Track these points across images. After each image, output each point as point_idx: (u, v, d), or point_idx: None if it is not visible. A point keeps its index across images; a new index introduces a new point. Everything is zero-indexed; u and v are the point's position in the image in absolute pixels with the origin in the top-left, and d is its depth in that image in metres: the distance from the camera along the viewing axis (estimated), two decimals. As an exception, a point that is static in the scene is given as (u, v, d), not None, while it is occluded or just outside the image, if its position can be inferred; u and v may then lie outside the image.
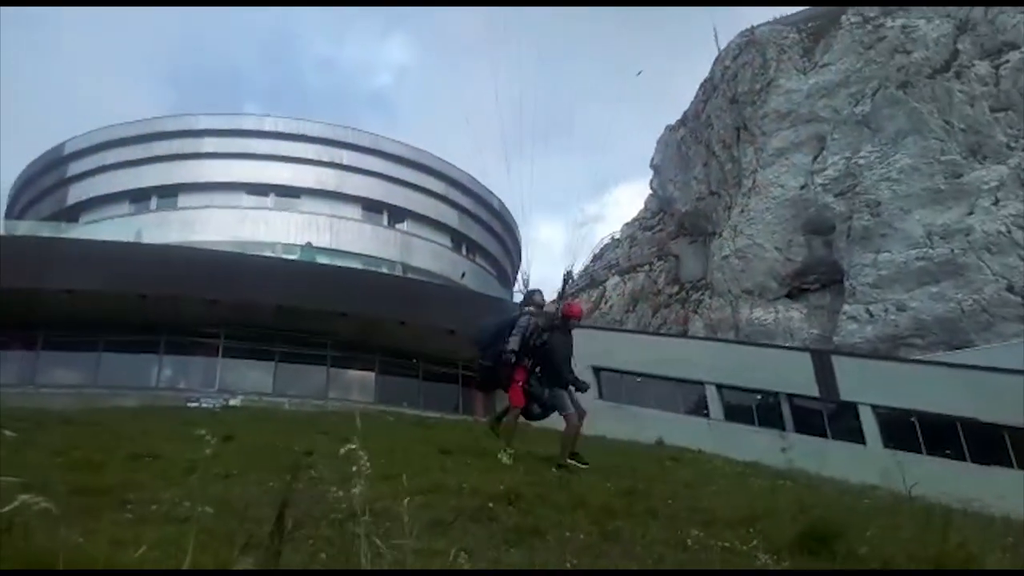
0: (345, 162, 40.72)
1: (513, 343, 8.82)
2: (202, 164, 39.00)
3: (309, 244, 35.63)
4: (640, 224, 61.62)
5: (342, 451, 2.19)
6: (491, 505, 5.25)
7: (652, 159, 59.03)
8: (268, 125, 41.10)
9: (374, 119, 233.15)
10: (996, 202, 33.70)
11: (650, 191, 61.19)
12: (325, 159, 40.41)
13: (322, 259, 32.71)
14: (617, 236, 63.67)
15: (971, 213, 33.92)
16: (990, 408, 22.48)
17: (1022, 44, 37.17)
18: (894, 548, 4.26)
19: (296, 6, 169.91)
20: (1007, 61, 37.04)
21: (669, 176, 55.37)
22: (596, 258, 63.08)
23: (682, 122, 55.68)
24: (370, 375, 28.62)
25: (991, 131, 35.60)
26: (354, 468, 2.13)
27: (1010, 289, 31.85)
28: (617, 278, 55.30)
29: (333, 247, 37.17)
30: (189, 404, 19.86)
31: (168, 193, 38.81)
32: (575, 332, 9.34)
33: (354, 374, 28.97)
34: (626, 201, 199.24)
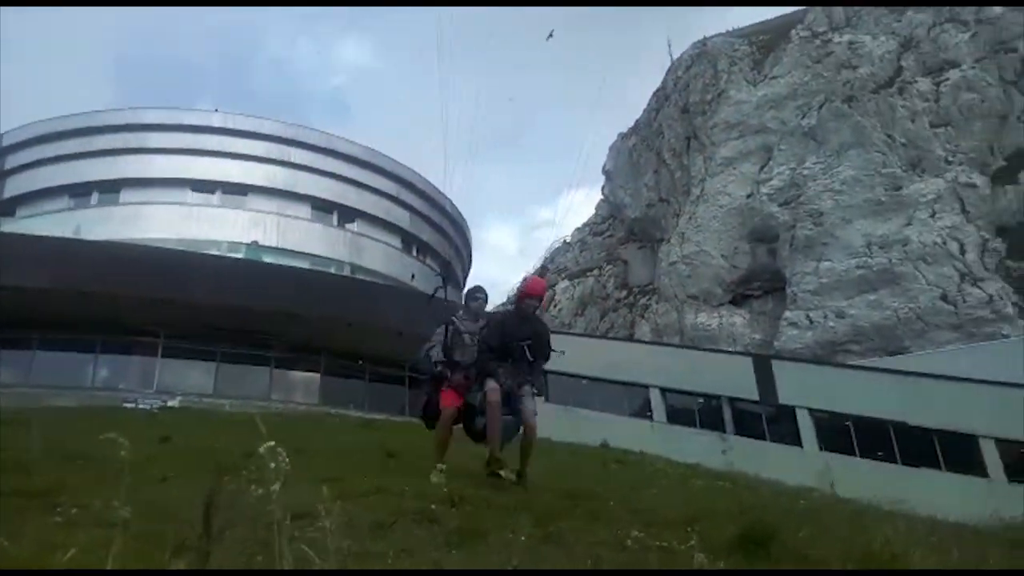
0: (295, 160, 40.14)
1: (435, 354, 7.38)
2: (146, 159, 38.03)
3: (255, 243, 35.05)
4: (591, 229, 62.19)
5: (261, 449, 2.16)
6: (434, 507, 5.23)
7: (604, 165, 59.65)
8: (216, 121, 40.30)
9: (328, 120, 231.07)
10: (933, 214, 34.93)
11: (601, 196, 61.80)
12: (274, 157, 39.78)
13: (269, 258, 32.22)
14: (568, 240, 64.17)
15: (909, 224, 35.10)
16: (921, 412, 23.30)
17: (962, 63, 38.62)
18: (826, 548, 4.38)
19: (260, 6, 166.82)
20: (947, 79, 38.46)
21: (620, 182, 56.02)
22: (547, 262, 63.44)
23: (634, 130, 56.41)
24: (315, 376, 28.26)
25: (930, 146, 36.91)
26: (272, 465, 2.10)
27: (944, 298, 33.04)
28: (567, 282, 55.67)
29: (280, 246, 36.62)
30: (126, 404, 19.34)
31: (110, 188, 37.75)
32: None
33: (298, 375, 28.59)
34: (578, 206, 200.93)
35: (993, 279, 32.75)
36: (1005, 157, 36.99)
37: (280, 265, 30.66)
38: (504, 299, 41.48)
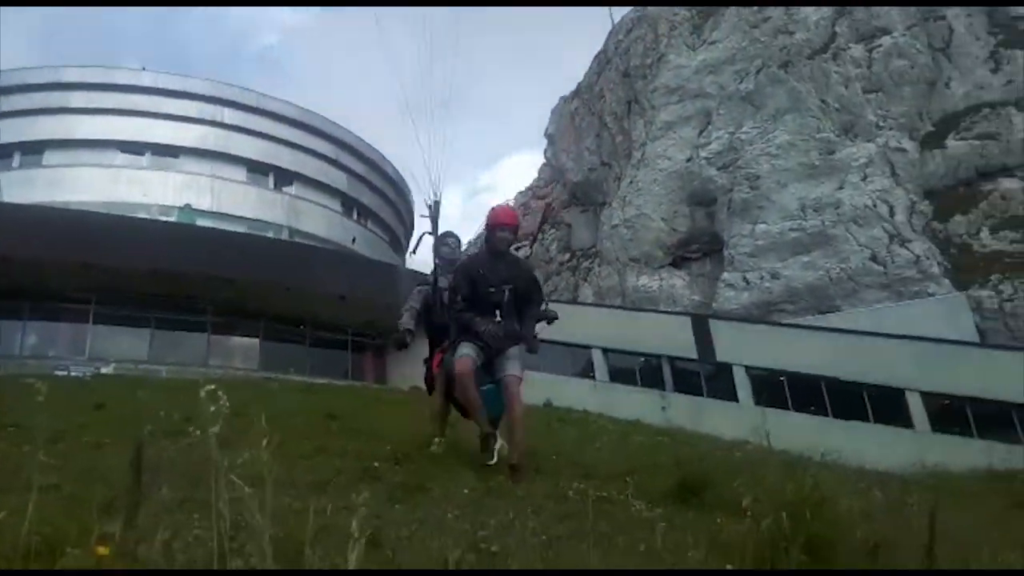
0: (227, 121, 38.90)
1: (406, 320, 6.47)
2: (71, 119, 36.41)
3: (188, 206, 33.95)
4: (533, 193, 62.20)
5: (202, 392, 2.12)
6: (376, 465, 5.24)
7: (546, 129, 59.50)
8: (145, 80, 38.74)
9: (262, 82, 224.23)
10: (864, 178, 35.87)
11: (543, 160, 61.77)
12: (206, 117, 38.50)
13: (203, 222, 31.31)
14: (511, 204, 64.13)
15: (841, 188, 35.98)
16: (851, 368, 24.24)
17: (893, 30, 39.45)
18: (757, 494, 4.55)
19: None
20: (880, 45, 39.26)
21: (562, 146, 55.98)
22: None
23: (576, 93, 56.26)
24: (254, 342, 27.80)
25: (862, 111, 37.77)
26: (212, 408, 2.07)
27: (873, 259, 34.07)
28: (509, 245, 55.71)
29: (215, 210, 35.61)
30: (57, 372, 18.71)
31: (33, 150, 36.11)
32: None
33: (237, 341, 28.09)
34: (520, 170, 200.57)
35: (920, 240, 33.88)
36: (933, 123, 38.13)
37: (215, 229, 29.86)
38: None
